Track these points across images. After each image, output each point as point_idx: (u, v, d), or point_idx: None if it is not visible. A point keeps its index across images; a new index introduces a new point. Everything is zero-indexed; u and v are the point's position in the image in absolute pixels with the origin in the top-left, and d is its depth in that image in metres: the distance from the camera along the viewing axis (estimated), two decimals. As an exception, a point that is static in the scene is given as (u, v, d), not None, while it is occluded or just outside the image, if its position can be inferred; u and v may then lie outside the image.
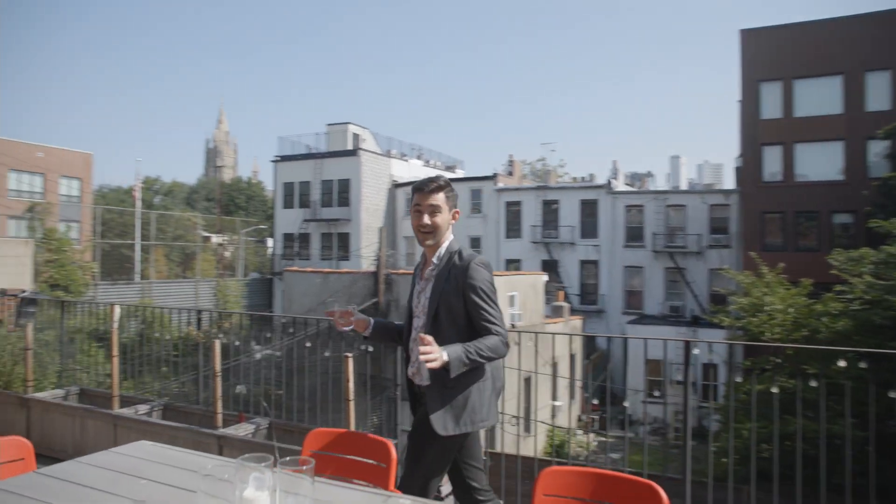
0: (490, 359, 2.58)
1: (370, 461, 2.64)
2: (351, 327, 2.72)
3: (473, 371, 2.62)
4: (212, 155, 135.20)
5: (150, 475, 2.30)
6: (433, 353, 2.37)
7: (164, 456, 2.56)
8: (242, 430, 4.69)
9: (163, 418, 5.34)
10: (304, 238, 37.60)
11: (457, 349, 2.48)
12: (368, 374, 5.11)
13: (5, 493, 2.12)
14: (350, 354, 4.21)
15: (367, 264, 28.33)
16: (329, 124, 39.30)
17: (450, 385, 2.60)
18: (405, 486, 2.64)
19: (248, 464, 1.90)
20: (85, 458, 2.54)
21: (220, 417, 4.62)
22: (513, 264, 32.18)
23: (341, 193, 36.04)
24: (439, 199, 2.70)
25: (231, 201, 73.59)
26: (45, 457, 5.22)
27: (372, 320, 2.87)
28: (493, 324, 2.59)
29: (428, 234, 2.70)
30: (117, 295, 23.63)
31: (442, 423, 2.60)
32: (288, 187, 38.20)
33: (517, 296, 21.54)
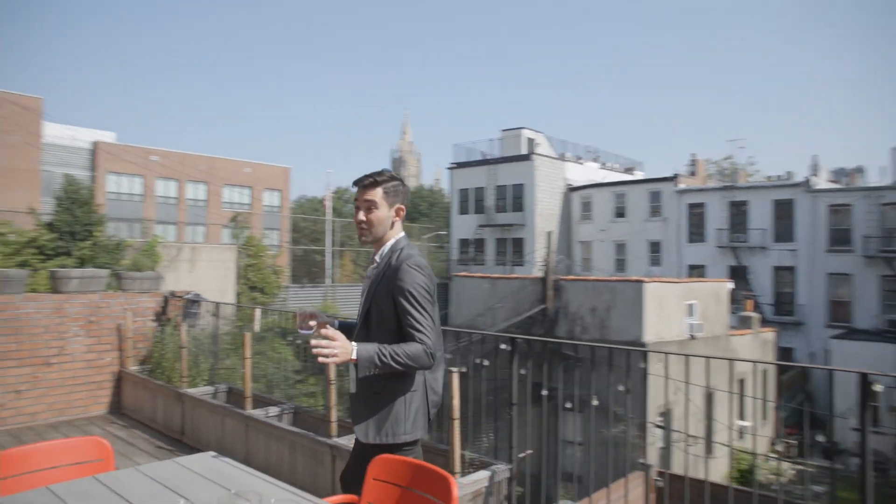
0: (408, 366, 2.35)
1: (428, 496, 2.37)
2: (312, 331, 2.41)
3: (402, 381, 2.45)
4: (396, 164, 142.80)
5: (190, 493, 2.22)
6: (327, 349, 2.22)
7: (214, 472, 2.48)
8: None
9: (293, 422, 5.48)
10: (480, 243, 38.12)
11: (369, 349, 2.31)
12: (483, 390, 4.79)
13: (42, 495, 2.14)
14: (455, 370, 3.96)
15: (539, 270, 27.86)
16: (503, 130, 39.51)
17: (376, 391, 2.46)
18: (344, 479, 2.65)
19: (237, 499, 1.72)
20: (148, 467, 2.54)
21: (334, 426, 4.60)
22: (696, 270, 29.93)
23: (515, 198, 36.03)
24: (375, 194, 2.52)
25: (414, 208, 77.08)
26: (195, 449, 5.58)
27: (337, 322, 2.66)
28: (419, 331, 2.37)
29: (363, 230, 2.56)
30: (303, 297, 25.51)
31: (364, 430, 2.50)
32: (463, 193, 38.99)
33: (696, 304, 19.89)
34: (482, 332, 5.15)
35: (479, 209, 37.88)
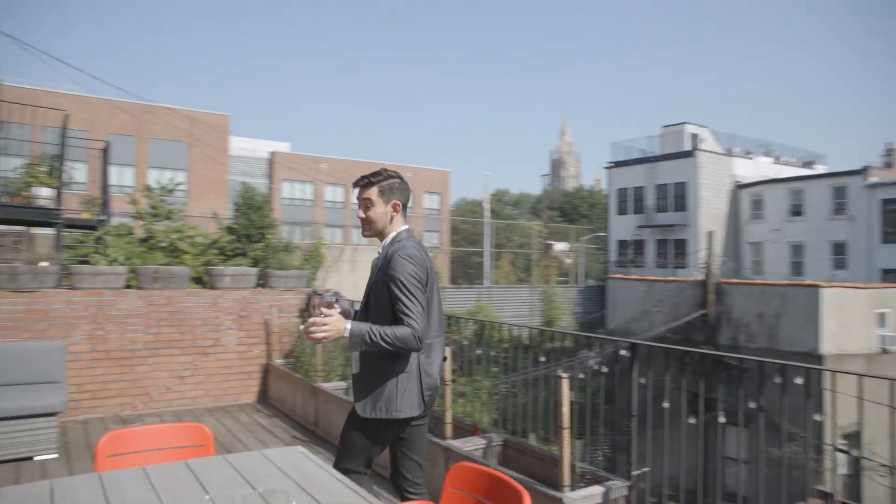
0: (396, 346, 2.57)
1: (499, 508, 2.22)
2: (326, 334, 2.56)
3: (396, 363, 2.69)
4: (556, 165, 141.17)
5: (258, 484, 2.24)
6: (318, 331, 2.52)
7: (292, 467, 2.49)
8: (471, 443, 4.52)
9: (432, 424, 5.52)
10: (639, 244, 36.54)
11: (362, 327, 2.57)
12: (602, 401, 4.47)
13: (124, 478, 2.26)
14: (566, 375, 3.72)
15: (700, 272, 26.13)
16: (664, 126, 37.58)
17: (373, 371, 2.71)
18: (336, 460, 2.85)
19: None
20: (236, 456, 2.61)
21: (449, 428, 4.53)
22: (890, 275, 26.38)
23: (677, 197, 34.10)
24: (372, 193, 2.77)
25: (574, 209, 75.78)
26: (326, 441, 5.81)
27: (353, 311, 2.91)
28: (407, 315, 2.58)
29: (364, 226, 2.82)
30: (460, 297, 25.91)
31: (362, 406, 2.74)
32: (621, 193, 37.60)
33: (890, 313, 17.51)
34: (599, 336, 4.84)
35: (639, 209, 36.31)
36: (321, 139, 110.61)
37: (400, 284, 2.60)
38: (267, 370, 7.32)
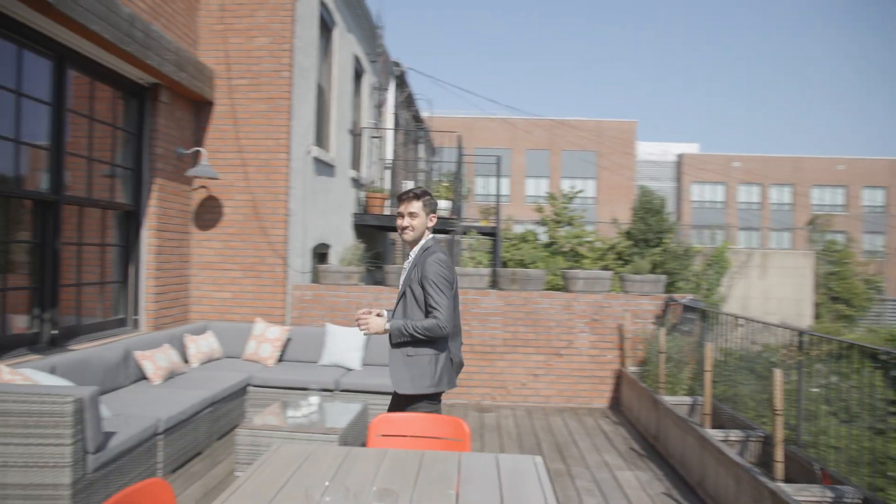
0: (426, 335, 3.14)
1: None
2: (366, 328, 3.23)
3: (428, 347, 3.22)
4: None
5: (468, 488, 2.22)
6: (364, 321, 3.21)
7: (511, 477, 2.40)
8: (812, 493, 3.58)
9: (758, 453, 4.67)
10: None
11: (398, 323, 3.18)
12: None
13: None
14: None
15: None
16: None
17: (409, 355, 3.22)
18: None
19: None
20: (469, 456, 2.64)
21: (780, 467, 3.71)
22: None
23: None
24: (416, 206, 3.30)
25: None
26: (662, 458, 5.41)
27: (385, 313, 3.37)
28: (436, 309, 3.13)
29: (407, 232, 3.32)
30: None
31: (400, 384, 3.23)
32: None
33: None
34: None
35: None
36: (733, 137, 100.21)
37: (432, 283, 3.15)
38: (619, 376, 7.16)
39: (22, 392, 3.53)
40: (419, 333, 3.12)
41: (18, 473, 3.48)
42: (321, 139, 8.57)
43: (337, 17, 9.02)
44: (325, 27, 8.73)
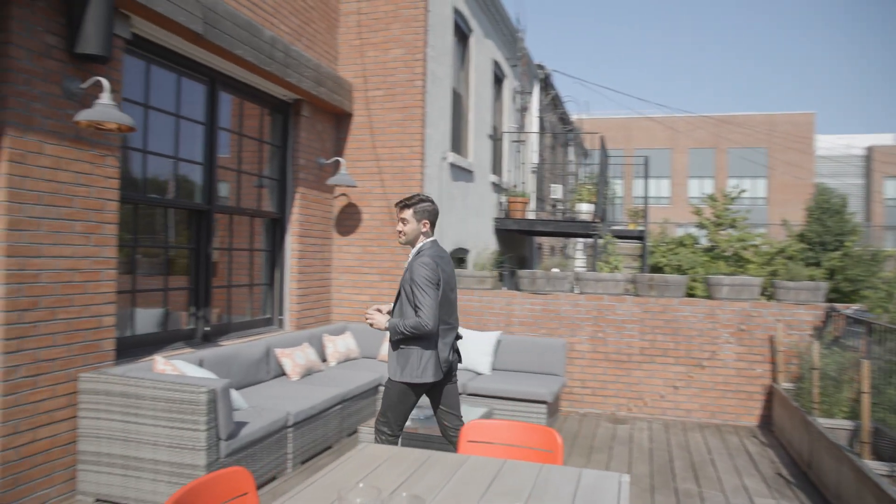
0: (413, 333, 3.53)
1: None
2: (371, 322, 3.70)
3: (416, 343, 3.61)
4: None
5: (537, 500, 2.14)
6: (373, 318, 3.68)
7: (588, 494, 2.28)
8: None
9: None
10: None
11: (393, 322, 3.62)
12: None
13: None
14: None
15: None
16: None
17: (401, 348, 3.64)
18: (377, 420, 3.77)
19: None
20: (554, 469, 2.55)
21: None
22: None
23: None
24: (407, 213, 3.69)
25: None
26: (814, 487, 4.86)
27: (385, 308, 3.81)
28: (419, 308, 3.51)
29: (400, 237, 3.76)
30: None
31: (392, 371, 3.66)
32: None
33: None
34: None
35: None
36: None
37: (416, 284, 3.52)
38: (771, 393, 6.53)
39: (167, 381, 3.96)
40: (407, 331, 3.52)
41: (167, 452, 3.91)
42: (458, 145, 8.71)
43: (473, 23, 9.14)
44: (462, 34, 8.88)
